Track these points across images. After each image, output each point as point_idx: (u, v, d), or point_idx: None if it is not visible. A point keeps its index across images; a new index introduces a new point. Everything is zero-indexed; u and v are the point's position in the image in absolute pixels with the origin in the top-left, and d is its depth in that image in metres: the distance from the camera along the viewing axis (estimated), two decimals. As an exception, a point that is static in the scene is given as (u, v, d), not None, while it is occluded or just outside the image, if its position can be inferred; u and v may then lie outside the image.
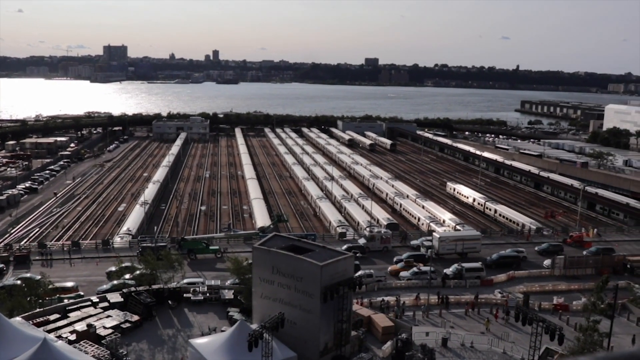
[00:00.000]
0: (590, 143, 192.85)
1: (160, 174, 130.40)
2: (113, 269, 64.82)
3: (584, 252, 76.50)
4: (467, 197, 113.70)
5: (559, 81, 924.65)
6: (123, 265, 63.31)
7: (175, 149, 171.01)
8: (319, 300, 41.31)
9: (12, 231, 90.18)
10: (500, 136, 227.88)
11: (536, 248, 79.61)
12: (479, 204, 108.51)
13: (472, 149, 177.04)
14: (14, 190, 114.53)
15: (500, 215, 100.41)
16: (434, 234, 78.14)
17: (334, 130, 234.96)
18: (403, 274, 67.54)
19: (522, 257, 74.84)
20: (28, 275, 61.69)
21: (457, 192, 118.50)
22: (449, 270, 67.68)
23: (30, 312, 48.96)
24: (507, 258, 73.41)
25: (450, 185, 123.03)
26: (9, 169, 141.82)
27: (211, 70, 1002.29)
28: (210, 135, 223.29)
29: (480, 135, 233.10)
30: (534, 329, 42.48)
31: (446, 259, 73.65)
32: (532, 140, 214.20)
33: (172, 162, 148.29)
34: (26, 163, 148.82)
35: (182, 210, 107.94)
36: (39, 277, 57.46)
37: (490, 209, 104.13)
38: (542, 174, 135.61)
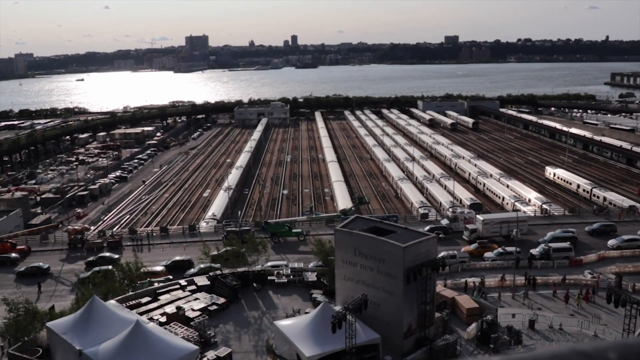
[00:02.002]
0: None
1: (242, 159, 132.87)
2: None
3: (638, 232, 72.06)
4: (570, 183, 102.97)
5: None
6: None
7: (256, 134, 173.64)
8: (402, 282, 41.11)
9: (105, 218, 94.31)
10: (589, 111, 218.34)
11: (587, 228, 75.22)
12: (584, 190, 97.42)
13: (558, 125, 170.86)
14: (105, 179, 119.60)
15: (611, 204, 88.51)
16: (477, 216, 75.00)
17: (414, 110, 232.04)
18: (487, 254, 66.20)
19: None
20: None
21: (558, 177, 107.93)
22: (535, 251, 65.79)
23: (123, 295, 51.10)
24: (560, 239, 69.41)
25: (550, 170, 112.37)
26: (100, 159, 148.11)
27: (290, 55, 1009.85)
28: (291, 120, 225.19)
29: (567, 110, 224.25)
30: (628, 311, 40.80)
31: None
32: (623, 114, 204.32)
33: (254, 147, 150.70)
34: (116, 153, 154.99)
35: (265, 195, 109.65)
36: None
37: (598, 197, 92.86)
38: (635, 149, 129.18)
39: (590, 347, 1.32)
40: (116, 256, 69.53)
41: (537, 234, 73.58)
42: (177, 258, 67.92)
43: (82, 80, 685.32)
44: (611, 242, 69.83)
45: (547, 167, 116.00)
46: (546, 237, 70.85)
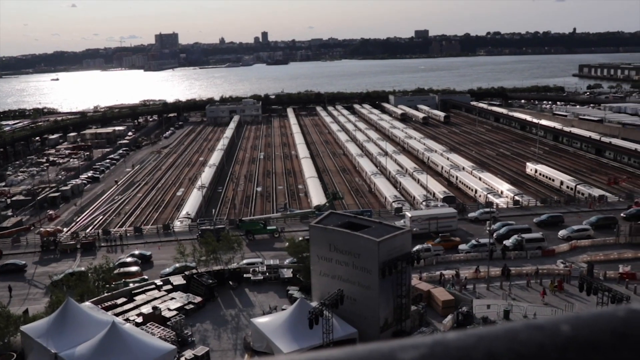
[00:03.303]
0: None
1: (215, 157, 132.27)
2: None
3: (583, 222, 73.36)
4: (553, 180, 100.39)
5: (620, 42, 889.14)
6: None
7: (229, 132, 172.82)
8: (378, 276, 41.40)
9: (77, 220, 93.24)
10: (558, 102, 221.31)
11: (534, 220, 76.03)
12: (568, 187, 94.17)
13: (528, 117, 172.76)
14: (77, 180, 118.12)
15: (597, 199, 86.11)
16: (406, 213, 75.31)
17: (385, 105, 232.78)
18: (462, 247, 66.92)
19: None
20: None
21: (540, 174, 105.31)
22: (508, 242, 66.61)
23: (98, 297, 50.67)
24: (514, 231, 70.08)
25: (531, 166, 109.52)
26: (71, 159, 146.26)
27: (261, 52, 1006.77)
28: (263, 117, 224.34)
29: (536, 102, 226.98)
30: (600, 299, 41.61)
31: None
32: (592, 105, 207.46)
33: (227, 145, 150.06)
34: (87, 153, 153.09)
35: (239, 192, 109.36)
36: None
37: (582, 194, 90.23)
38: (604, 139, 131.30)
39: (545, 320, 1.43)
40: (22, 262, 68.61)
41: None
42: (137, 252, 69.12)
43: (57, 79, 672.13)
44: (562, 232, 70.85)
45: (527, 163, 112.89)
46: (502, 231, 70.74)
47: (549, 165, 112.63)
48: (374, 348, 1.40)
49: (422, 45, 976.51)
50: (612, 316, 1.41)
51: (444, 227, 71.97)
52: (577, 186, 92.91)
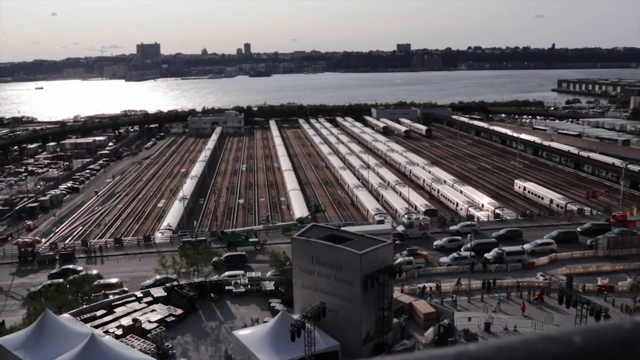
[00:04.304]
0: (632, 120, 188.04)
1: (197, 169, 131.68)
2: None
3: (545, 237, 73.85)
4: (542, 198, 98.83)
5: (597, 58, 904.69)
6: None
7: (211, 143, 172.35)
8: (360, 289, 41.39)
9: (56, 230, 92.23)
10: (538, 117, 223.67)
11: (493, 234, 76.41)
12: (558, 205, 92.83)
13: (508, 132, 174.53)
14: (56, 190, 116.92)
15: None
16: (342, 229, 75.30)
17: (368, 118, 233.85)
18: (443, 259, 67.20)
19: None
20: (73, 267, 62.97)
21: (528, 191, 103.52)
22: (489, 255, 67.01)
23: (77, 309, 50.07)
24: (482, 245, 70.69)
25: (519, 184, 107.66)
26: (50, 169, 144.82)
27: (243, 63, 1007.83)
28: (245, 129, 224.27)
29: (517, 117, 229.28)
30: (579, 311, 41.95)
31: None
32: (570, 119, 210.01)
33: (209, 156, 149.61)
34: (67, 163, 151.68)
35: (221, 204, 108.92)
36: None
37: (573, 212, 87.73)
38: (582, 153, 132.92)
39: (558, 332, 1.51)
40: None
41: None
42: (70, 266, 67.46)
43: (42, 88, 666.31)
44: (526, 246, 71.38)
45: (516, 181, 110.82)
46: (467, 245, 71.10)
47: (530, 179, 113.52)
48: None
49: (404, 59, 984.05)
50: (619, 328, 1.50)
51: None
52: (567, 204, 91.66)
